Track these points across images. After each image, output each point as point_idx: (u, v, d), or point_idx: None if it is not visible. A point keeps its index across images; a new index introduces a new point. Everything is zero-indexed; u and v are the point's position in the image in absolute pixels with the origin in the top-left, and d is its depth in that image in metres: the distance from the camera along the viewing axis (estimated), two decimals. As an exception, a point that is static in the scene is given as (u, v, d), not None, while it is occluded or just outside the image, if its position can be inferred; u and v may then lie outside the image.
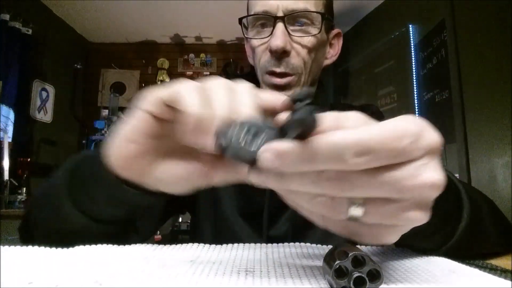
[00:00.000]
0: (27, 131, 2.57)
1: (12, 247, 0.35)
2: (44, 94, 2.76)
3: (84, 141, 2.91)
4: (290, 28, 0.57)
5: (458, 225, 0.34)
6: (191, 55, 3.36)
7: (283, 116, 0.25)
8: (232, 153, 0.23)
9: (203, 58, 3.35)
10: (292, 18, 0.57)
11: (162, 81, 3.31)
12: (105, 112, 3.04)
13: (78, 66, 3.13)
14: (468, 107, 1.79)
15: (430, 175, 0.20)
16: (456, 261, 0.32)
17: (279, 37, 0.55)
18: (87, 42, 3.40)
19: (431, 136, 0.21)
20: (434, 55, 2.05)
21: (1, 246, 0.34)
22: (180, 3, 2.65)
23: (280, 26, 0.56)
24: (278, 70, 0.57)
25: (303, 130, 0.21)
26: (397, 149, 0.20)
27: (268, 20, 0.58)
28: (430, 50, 2.10)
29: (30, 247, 0.35)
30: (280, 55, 0.57)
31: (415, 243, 0.35)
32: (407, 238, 0.29)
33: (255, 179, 0.23)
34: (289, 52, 0.57)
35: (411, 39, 2.25)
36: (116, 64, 3.36)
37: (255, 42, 0.60)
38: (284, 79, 0.58)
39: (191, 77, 3.33)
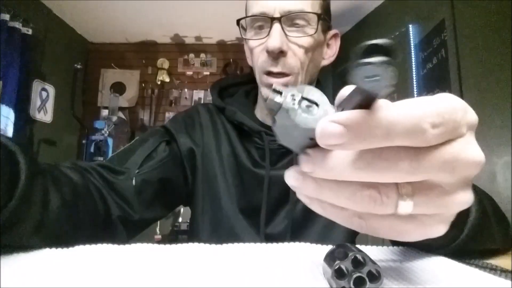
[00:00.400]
0: (27, 131, 2.57)
1: (12, 247, 0.35)
2: (44, 94, 2.76)
3: (84, 141, 2.90)
4: (287, 28, 0.58)
5: (467, 219, 0.33)
6: (191, 55, 3.35)
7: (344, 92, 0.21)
8: (285, 116, 0.20)
9: (203, 58, 3.35)
10: (288, 19, 0.58)
11: (162, 81, 3.31)
12: (105, 112, 3.04)
13: (78, 66, 3.13)
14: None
15: (475, 152, 0.20)
16: (456, 261, 0.32)
17: (275, 37, 0.56)
18: (87, 42, 3.40)
19: (472, 112, 0.20)
20: (434, 55, 2.05)
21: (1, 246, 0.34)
22: (180, 3, 2.65)
23: (276, 26, 0.57)
24: (275, 70, 0.59)
25: (367, 96, 0.17)
26: (456, 121, 0.19)
27: (265, 21, 0.59)
28: (430, 50, 2.10)
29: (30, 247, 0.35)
30: (277, 55, 0.58)
31: (433, 240, 0.33)
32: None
33: (305, 166, 0.20)
34: (286, 52, 0.58)
35: (411, 39, 2.25)
36: (116, 64, 3.36)
37: (253, 43, 0.62)
38: (281, 79, 0.59)
39: (191, 77, 3.34)
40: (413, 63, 2.22)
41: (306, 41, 0.59)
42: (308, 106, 0.20)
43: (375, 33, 2.62)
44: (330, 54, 0.68)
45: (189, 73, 3.37)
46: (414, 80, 2.20)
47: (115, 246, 0.36)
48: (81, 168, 0.51)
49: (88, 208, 0.47)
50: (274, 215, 0.62)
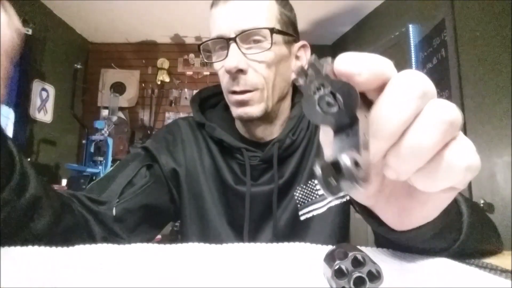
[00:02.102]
0: (27, 131, 2.57)
1: (12, 247, 0.35)
2: (44, 94, 2.76)
3: (84, 141, 2.91)
4: (244, 47, 0.59)
5: (461, 219, 0.34)
6: (191, 55, 3.36)
7: None
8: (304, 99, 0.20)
9: (203, 58, 3.35)
10: (244, 37, 0.58)
11: (162, 81, 3.31)
12: (105, 112, 3.04)
13: (78, 66, 3.13)
14: (468, 107, 1.79)
15: None
16: (456, 261, 0.32)
17: (231, 57, 0.57)
18: (87, 42, 3.40)
19: None
20: (434, 55, 2.05)
21: (1, 246, 0.34)
22: (180, 3, 2.66)
23: (233, 47, 0.58)
24: (237, 88, 0.59)
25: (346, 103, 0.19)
26: None
27: (223, 43, 0.60)
28: (430, 50, 2.10)
29: (30, 247, 0.35)
30: (235, 74, 0.58)
31: (436, 245, 0.33)
32: (425, 242, 0.29)
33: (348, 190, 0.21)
34: (246, 70, 0.59)
35: (411, 39, 2.25)
36: (116, 64, 3.36)
37: (217, 66, 0.63)
38: (244, 95, 0.60)
39: (191, 77, 3.35)
40: (413, 63, 2.22)
41: (266, 56, 0.59)
42: (329, 104, 0.19)
43: (375, 33, 2.62)
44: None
45: (189, 73, 3.37)
46: (414, 80, 2.20)
47: (115, 246, 0.36)
48: (64, 196, 0.52)
49: (75, 226, 0.47)
50: (258, 230, 0.63)
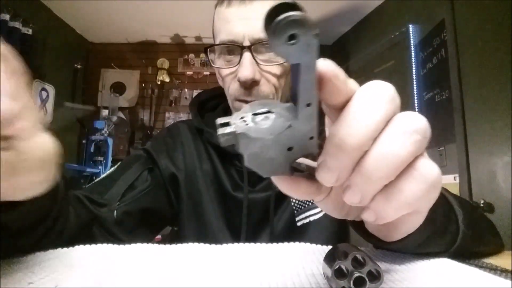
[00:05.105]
0: (27, 131, 2.57)
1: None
2: (44, 94, 2.76)
3: (84, 141, 2.90)
4: (258, 57, 0.56)
5: (457, 221, 0.34)
6: (191, 55, 3.35)
7: None
8: (247, 141, 0.18)
9: (203, 58, 3.34)
10: (259, 46, 0.56)
11: (162, 81, 3.31)
12: (105, 112, 3.04)
13: (78, 66, 3.13)
14: (468, 107, 1.79)
15: None
16: (456, 261, 0.32)
17: (247, 67, 0.54)
18: (87, 42, 3.40)
19: None
20: (434, 55, 2.05)
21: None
22: (180, 3, 2.65)
23: (247, 56, 0.55)
24: (248, 99, 0.57)
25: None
26: None
27: (233, 48, 0.57)
28: (430, 50, 2.10)
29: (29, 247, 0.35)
30: (250, 85, 0.56)
31: (429, 250, 0.33)
32: (416, 248, 0.29)
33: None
34: (259, 81, 0.57)
35: (411, 39, 2.25)
36: (116, 64, 3.36)
37: (223, 71, 0.60)
38: None
39: (191, 77, 3.34)
40: (413, 63, 2.22)
41: (280, 68, 0.58)
42: (265, 119, 0.19)
43: (375, 33, 2.62)
44: None
45: (189, 73, 3.37)
46: (414, 80, 2.20)
47: (115, 246, 0.36)
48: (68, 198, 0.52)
49: (75, 227, 0.47)
50: (256, 236, 0.63)
